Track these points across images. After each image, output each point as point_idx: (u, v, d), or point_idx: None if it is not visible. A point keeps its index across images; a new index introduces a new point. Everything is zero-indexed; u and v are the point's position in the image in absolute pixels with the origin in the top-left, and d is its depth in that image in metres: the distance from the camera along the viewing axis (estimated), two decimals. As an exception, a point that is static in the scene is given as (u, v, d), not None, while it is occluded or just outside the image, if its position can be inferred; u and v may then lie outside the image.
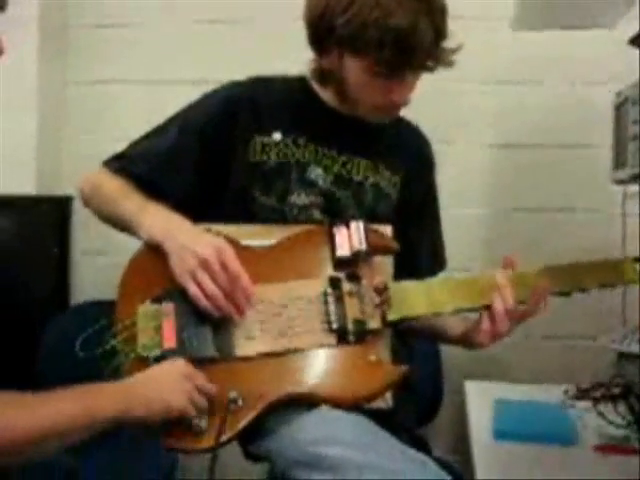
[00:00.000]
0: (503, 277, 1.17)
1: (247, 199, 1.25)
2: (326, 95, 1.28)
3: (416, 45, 1.11)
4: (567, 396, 1.66)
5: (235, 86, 1.30)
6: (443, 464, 1.08)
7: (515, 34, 1.95)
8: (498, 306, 1.15)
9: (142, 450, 1.57)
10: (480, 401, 1.65)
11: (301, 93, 1.30)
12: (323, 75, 1.25)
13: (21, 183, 2.11)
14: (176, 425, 1.03)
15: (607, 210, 1.95)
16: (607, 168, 1.76)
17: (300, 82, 1.31)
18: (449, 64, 1.17)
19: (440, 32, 1.14)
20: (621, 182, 1.74)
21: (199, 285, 1.09)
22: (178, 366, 1.05)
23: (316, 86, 1.29)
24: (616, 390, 1.60)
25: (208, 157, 1.26)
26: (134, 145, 1.31)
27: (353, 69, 1.17)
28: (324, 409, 1.06)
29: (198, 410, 1.03)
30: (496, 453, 1.38)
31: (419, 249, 1.33)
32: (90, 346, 1.12)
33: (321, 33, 1.18)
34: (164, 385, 1.03)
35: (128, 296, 1.15)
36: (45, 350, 1.97)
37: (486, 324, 1.17)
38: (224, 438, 1.03)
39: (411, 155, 1.35)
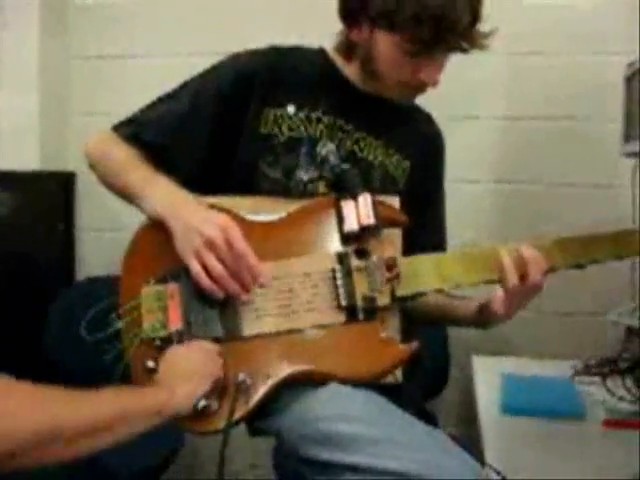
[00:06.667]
0: (507, 256, 1.13)
1: (254, 171, 1.23)
2: (348, 70, 1.26)
3: (453, 25, 1.09)
4: (575, 371, 1.66)
5: (251, 55, 1.27)
6: (452, 439, 1.07)
7: (525, 4, 1.93)
8: (508, 285, 1.12)
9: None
10: (487, 376, 1.66)
11: (321, 66, 1.28)
12: (350, 49, 1.23)
13: (25, 159, 2.11)
14: None
15: (618, 184, 1.93)
16: (618, 141, 1.74)
17: (320, 55, 1.29)
18: (482, 47, 1.15)
19: (476, 13, 1.12)
20: (632, 155, 1.72)
21: (204, 265, 1.07)
22: (188, 345, 1.06)
23: (338, 60, 1.27)
24: (624, 365, 1.60)
25: (220, 126, 1.23)
26: (146, 110, 1.28)
27: (384, 45, 1.15)
28: (334, 386, 1.05)
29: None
30: (503, 428, 1.38)
31: (421, 238, 1.29)
32: (95, 326, 1.12)
33: (354, 6, 1.16)
34: (191, 360, 1.03)
35: (132, 275, 1.14)
36: (51, 326, 1.96)
37: (501, 293, 1.13)
38: (235, 418, 1.02)
39: (423, 143, 1.34)
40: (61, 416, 0.82)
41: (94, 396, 0.88)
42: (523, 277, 1.12)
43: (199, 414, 1.00)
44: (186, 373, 1.00)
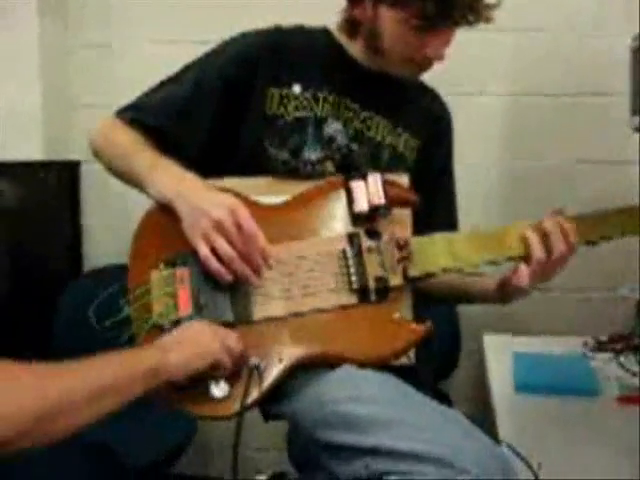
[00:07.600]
0: (531, 231, 1.12)
1: (260, 152, 1.22)
2: (353, 48, 1.25)
3: None
4: (587, 348, 1.65)
5: (255, 35, 1.26)
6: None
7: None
8: (534, 259, 1.11)
9: (160, 414, 1.57)
10: (499, 354, 1.65)
11: (325, 45, 1.26)
12: (353, 26, 1.22)
13: (29, 149, 2.10)
14: (196, 392, 1.01)
15: (626, 159, 1.91)
16: (626, 116, 1.72)
17: (324, 34, 1.28)
18: (488, 19, 1.13)
19: None
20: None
21: (213, 248, 1.06)
22: (206, 323, 1.05)
23: (342, 38, 1.26)
24: (637, 341, 1.59)
25: (224, 108, 1.22)
26: (149, 94, 1.26)
27: (389, 21, 1.14)
28: (348, 368, 1.05)
29: (232, 359, 1.02)
30: (517, 406, 1.38)
31: (433, 217, 1.28)
32: (104, 313, 1.11)
33: None
34: (198, 333, 1.02)
35: (140, 260, 1.12)
36: (60, 316, 1.97)
37: (524, 267, 1.12)
38: (249, 402, 1.02)
39: (432, 121, 1.32)
40: (66, 389, 0.82)
41: (95, 361, 0.88)
42: (549, 250, 1.11)
43: (211, 399, 1.00)
44: (184, 342, 0.99)
